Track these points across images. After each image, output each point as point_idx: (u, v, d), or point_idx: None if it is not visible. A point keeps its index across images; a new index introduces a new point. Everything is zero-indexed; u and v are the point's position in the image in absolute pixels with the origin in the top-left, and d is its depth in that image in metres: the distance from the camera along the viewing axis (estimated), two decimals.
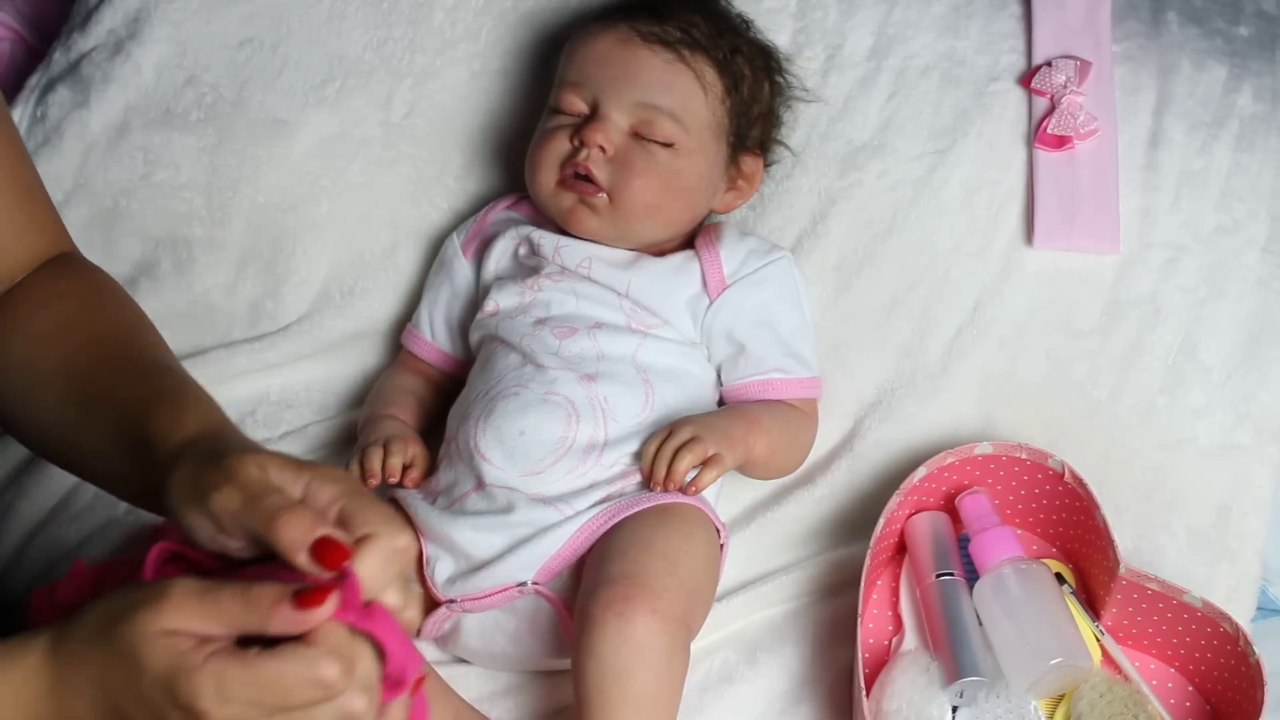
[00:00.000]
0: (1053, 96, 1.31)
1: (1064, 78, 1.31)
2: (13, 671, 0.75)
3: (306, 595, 0.71)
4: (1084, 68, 1.32)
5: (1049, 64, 1.32)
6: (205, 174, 1.37)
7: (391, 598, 0.76)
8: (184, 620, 0.72)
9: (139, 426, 0.87)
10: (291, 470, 0.78)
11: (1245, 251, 1.28)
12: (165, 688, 0.71)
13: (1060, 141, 1.30)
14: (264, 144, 1.37)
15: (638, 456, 1.16)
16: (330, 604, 0.71)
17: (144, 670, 0.72)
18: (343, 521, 0.76)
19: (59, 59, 1.42)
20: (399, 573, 0.77)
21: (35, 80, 1.42)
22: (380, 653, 0.74)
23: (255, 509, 0.75)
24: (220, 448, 0.81)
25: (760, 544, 1.26)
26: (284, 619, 0.71)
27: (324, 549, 0.73)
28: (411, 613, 0.76)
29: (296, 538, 0.73)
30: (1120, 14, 1.37)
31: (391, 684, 0.75)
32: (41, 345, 0.97)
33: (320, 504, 0.77)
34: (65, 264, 1.04)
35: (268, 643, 0.72)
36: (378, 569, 0.75)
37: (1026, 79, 1.33)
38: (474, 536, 1.13)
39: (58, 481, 1.30)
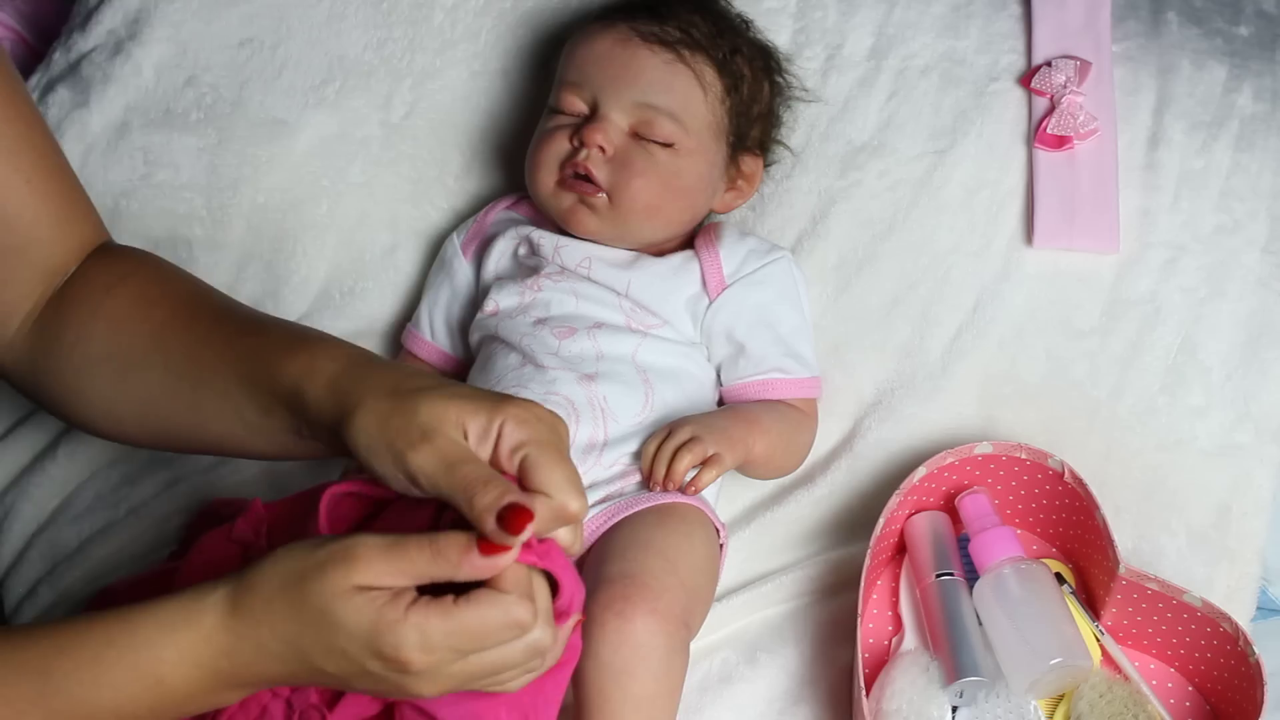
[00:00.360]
0: (1053, 96, 1.31)
1: (1064, 78, 1.31)
2: (193, 632, 0.78)
3: (491, 544, 0.76)
4: (1084, 68, 1.32)
5: (1049, 64, 1.32)
6: (205, 174, 1.37)
7: (564, 537, 0.82)
8: (375, 576, 0.76)
9: (271, 374, 0.89)
10: (485, 415, 0.82)
11: (1245, 251, 1.28)
12: (367, 642, 0.75)
13: (1060, 141, 1.30)
14: (264, 144, 1.37)
15: (637, 456, 1.16)
16: (515, 551, 0.77)
17: (341, 627, 0.75)
18: (524, 471, 0.81)
19: (59, 59, 1.42)
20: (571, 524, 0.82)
21: (35, 80, 1.42)
22: (553, 585, 0.81)
23: (452, 477, 0.79)
24: (400, 384, 0.83)
25: (760, 544, 1.26)
26: (472, 567, 0.76)
27: (510, 515, 0.76)
28: (579, 547, 0.84)
29: (488, 504, 0.77)
30: (1120, 14, 1.37)
31: (561, 614, 0.81)
32: (124, 329, 0.98)
33: (506, 448, 0.81)
34: (113, 250, 1.05)
35: (454, 589, 0.77)
36: (546, 525, 0.80)
37: (1026, 79, 1.33)
38: None
39: (60, 483, 1.30)
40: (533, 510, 0.77)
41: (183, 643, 0.78)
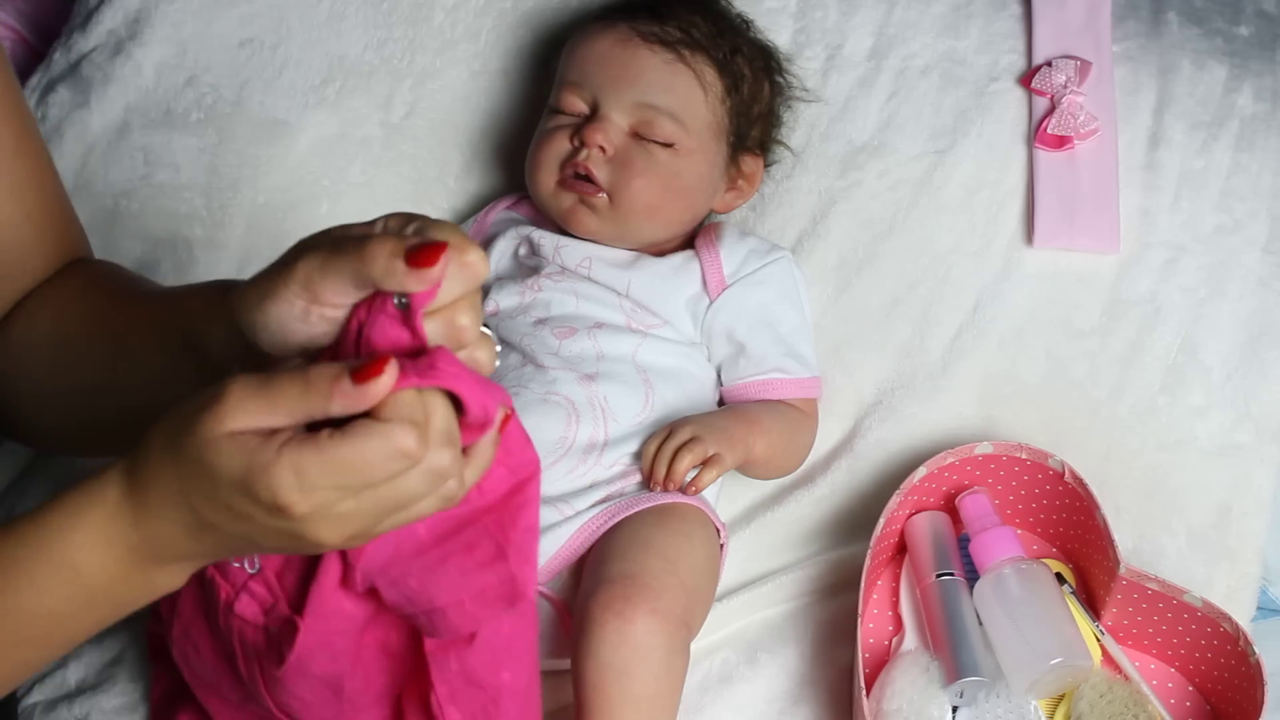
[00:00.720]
0: (1053, 96, 1.31)
1: (1064, 78, 1.31)
2: (97, 509, 0.74)
3: (363, 369, 0.69)
4: (1084, 68, 1.32)
5: (1049, 64, 1.32)
6: (205, 174, 1.37)
7: (463, 318, 0.74)
8: (246, 418, 0.70)
9: (176, 324, 0.87)
10: (359, 226, 0.77)
11: (1245, 251, 1.28)
12: (244, 489, 0.70)
13: (1060, 141, 1.30)
14: (264, 144, 1.37)
15: (637, 456, 1.16)
16: (390, 373, 0.69)
17: (219, 476, 0.71)
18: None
19: (59, 59, 1.42)
20: (473, 288, 0.74)
21: (35, 80, 1.42)
22: (456, 401, 0.71)
23: (340, 253, 0.73)
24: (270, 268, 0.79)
25: (760, 544, 1.26)
26: (346, 397, 0.69)
27: (420, 252, 0.70)
28: (483, 354, 0.76)
29: (389, 251, 0.71)
30: (1120, 14, 1.37)
31: (475, 427, 0.72)
32: (65, 310, 0.98)
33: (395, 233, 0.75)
34: (79, 267, 1.04)
35: (340, 424, 0.70)
36: (452, 280, 0.72)
37: (1026, 79, 1.33)
38: None
39: (58, 484, 1.30)
40: (442, 243, 0.70)
41: (90, 523, 0.74)
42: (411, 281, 0.70)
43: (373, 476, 0.70)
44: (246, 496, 0.70)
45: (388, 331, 0.73)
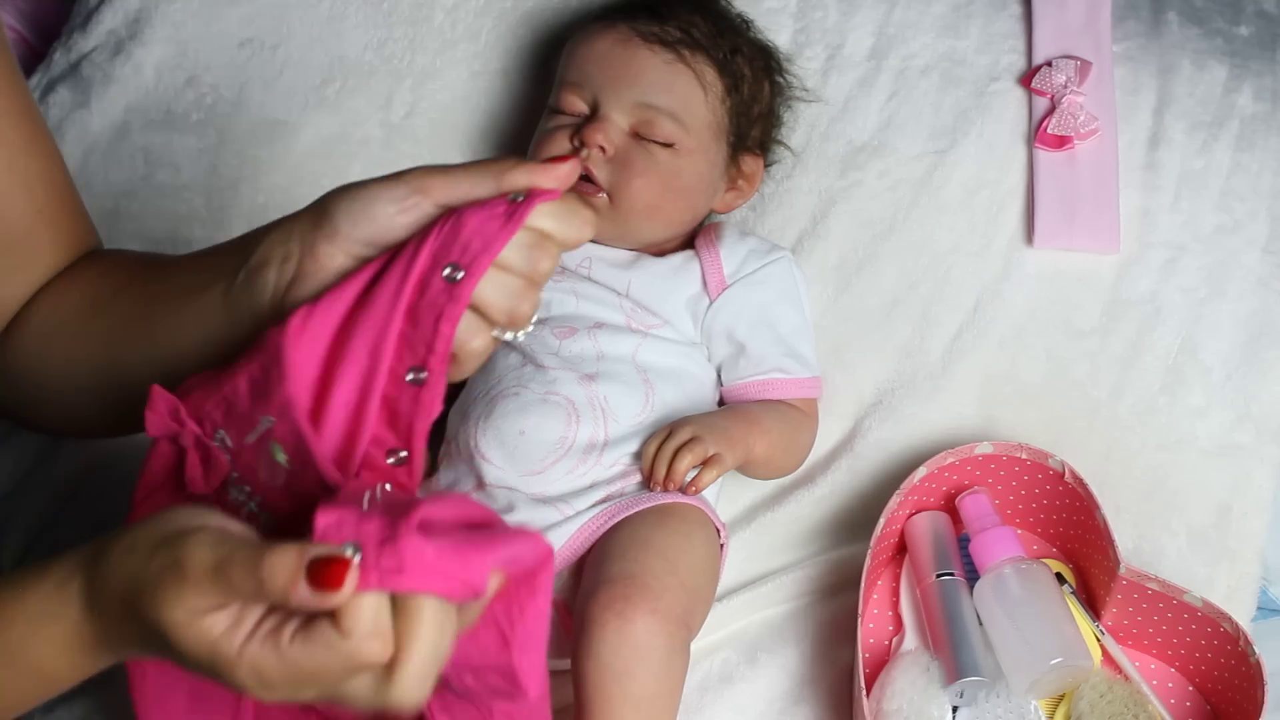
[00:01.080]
0: (1053, 96, 1.31)
1: (1064, 78, 1.31)
2: (59, 624, 0.75)
3: (321, 572, 0.65)
4: (1084, 68, 1.32)
5: (1049, 64, 1.33)
6: (205, 174, 1.37)
7: (545, 262, 0.78)
8: (206, 603, 0.70)
9: (213, 281, 0.88)
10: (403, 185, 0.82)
11: (1245, 251, 1.28)
12: (210, 668, 0.71)
13: (1060, 141, 1.30)
14: (264, 144, 1.37)
15: (638, 456, 1.16)
16: (349, 584, 0.65)
17: (184, 652, 0.71)
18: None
19: (59, 59, 1.42)
20: (571, 236, 0.79)
21: (36, 80, 1.42)
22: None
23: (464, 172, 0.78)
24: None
25: (760, 544, 1.26)
26: (303, 600, 0.66)
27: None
28: (480, 342, 0.77)
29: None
30: (1120, 14, 1.37)
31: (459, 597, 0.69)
32: (91, 288, 0.99)
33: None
34: (94, 256, 1.06)
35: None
36: (557, 221, 0.79)
37: (1027, 79, 1.33)
38: None
39: (60, 485, 1.30)
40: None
41: (54, 637, 0.75)
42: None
43: (332, 680, 0.69)
44: (212, 671, 0.71)
45: (485, 227, 0.74)
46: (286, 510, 0.79)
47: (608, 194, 1.22)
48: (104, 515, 1.29)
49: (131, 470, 1.30)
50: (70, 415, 1.01)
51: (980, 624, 1.15)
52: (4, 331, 1.01)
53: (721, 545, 1.17)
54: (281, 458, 0.77)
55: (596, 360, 1.20)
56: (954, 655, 1.12)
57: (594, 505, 1.14)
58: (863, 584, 1.14)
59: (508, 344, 1.22)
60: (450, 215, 0.78)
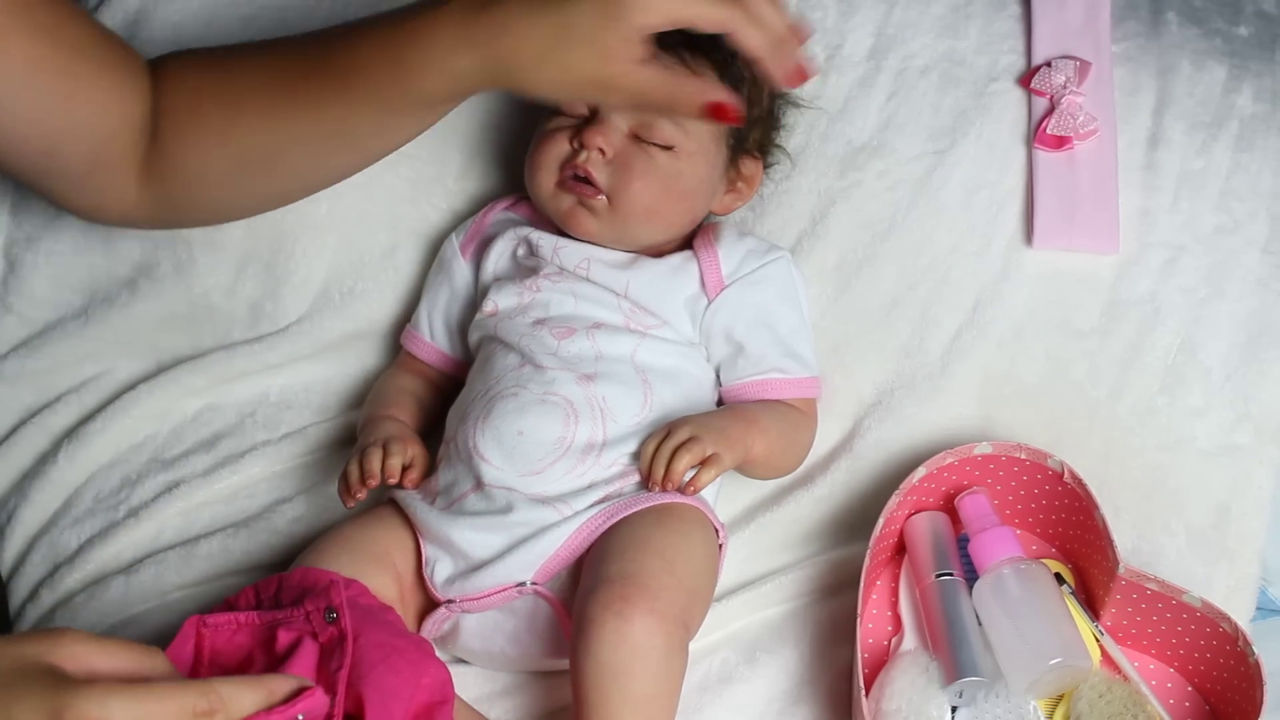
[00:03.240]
0: (1052, 97, 1.31)
1: (1063, 78, 1.31)
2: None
3: None
4: (1083, 68, 1.32)
5: (1048, 64, 1.32)
6: None
7: None
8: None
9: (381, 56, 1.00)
10: None
11: (1245, 252, 1.28)
12: None
13: (1060, 142, 1.30)
14: None
15: (636, 456, 1.16)
16: None
17: None
18: None
19: None
20: None
21: None
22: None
23: None
24: None
25: (759, 544, 1.26)
26: None
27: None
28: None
29: None
30: (1120, 14, 1.37)
31: None
32: (212, 120, 1.09)
33: None
34: (161, 73, 1.13)
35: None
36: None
37: (1026, 79, 1.33)
38: (473, 537, 1.13)
39: (60, 486, 1.31)
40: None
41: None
42: None
43: None
44: None
45: None
46: None
47: (607, 196, 1.22)
48: (100, 519, 1.29)
49: (127, 474, 1.31)
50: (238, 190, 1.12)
51: (979, 624, 1.15)
52: (155, 184, 1.12)
53: (720, 545, 1.17)
54: None
55: (595, 360, 1.20)
56: (953, 655, 1.12)
57: (592, 505, 1.14)
58: (862, 584, 1.14)
59: (507, 344, 1.22)
60: None
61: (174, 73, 1.13)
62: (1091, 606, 1.19)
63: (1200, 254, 1.28)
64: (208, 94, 1.10)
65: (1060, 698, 1.15)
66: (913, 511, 1.23)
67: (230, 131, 1.10)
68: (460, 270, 1.31)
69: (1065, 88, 1.31)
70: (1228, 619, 1.11)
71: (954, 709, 1.12)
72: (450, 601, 1.13)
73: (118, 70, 1.10)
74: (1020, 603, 1.14)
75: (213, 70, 1.11)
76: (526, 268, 1.26)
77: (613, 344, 1.21)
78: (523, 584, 1.12)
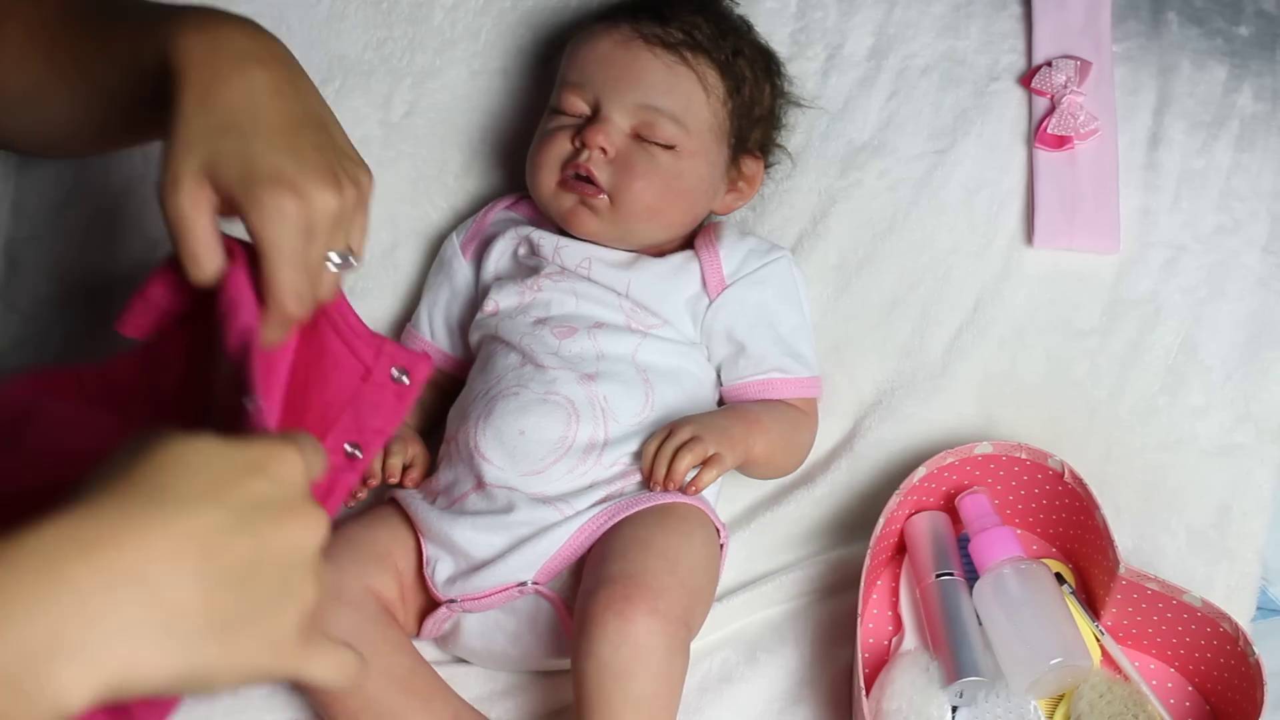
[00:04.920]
0: (1053, 96, 1.31)
1: (1064, 78, 1.31)
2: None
3: None
4: (1084, 68, 1.32)
5: (1049, 64, 1.32)
6: None
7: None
8: None
9: (136, 56, 0.89)
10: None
11: (1245, 251, 1.28)
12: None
13: (1060, 141, 1.30)
14: None
15: (637, 456, 1.16)
16: None
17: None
18: None
19: None
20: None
21: None
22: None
23: None
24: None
25: (760, 544, 1.26)
26: None
27: None
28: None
29: None
30: (1120, 14, 1.37)
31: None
32: (21, 62, 0.98)
33: None
34: None
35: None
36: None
37: (1027, 79, 1.33)
38: (474, 536, 1.13)
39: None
40: None
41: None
42: None
43: None
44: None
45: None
46: None
47: (608, 196, 1.22)
48: None
49: None
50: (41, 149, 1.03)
51: (980, 624, 1.15)
52: None
53: (721, 545, 1.17)
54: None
55: (596, 360, 1.20)
56: (953, 655, 1.12)
57: (594, 505, 1.14)
58: (862, 584, 1.14)
59: (508, 343, 1.22)
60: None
61: None
62: (1092, 606, 1.19)
63: (1201, 253, 1.28)
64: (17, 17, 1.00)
65: (1061, 698, 1.15)
66: (913, 511, 1.23)
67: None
68: (461, 269, 1.31)
69: (1066, 87, 1.31)
70: (1228, 619, 1.11)
71: (954, 709, 1.12)
72: (451, 601, 1.13)
73: None
74: (1021, 603, 1.14)
75: (46, 27, 1.00)
76: (528, 267, 1.26)
77: (614, 343, 1.20)
78: (524, 583, 1.12)
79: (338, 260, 0.85)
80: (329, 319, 0.89)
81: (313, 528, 0.67)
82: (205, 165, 0.82)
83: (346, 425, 0.87)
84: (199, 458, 0.65)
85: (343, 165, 0.85)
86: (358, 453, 0.86)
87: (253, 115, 0.84)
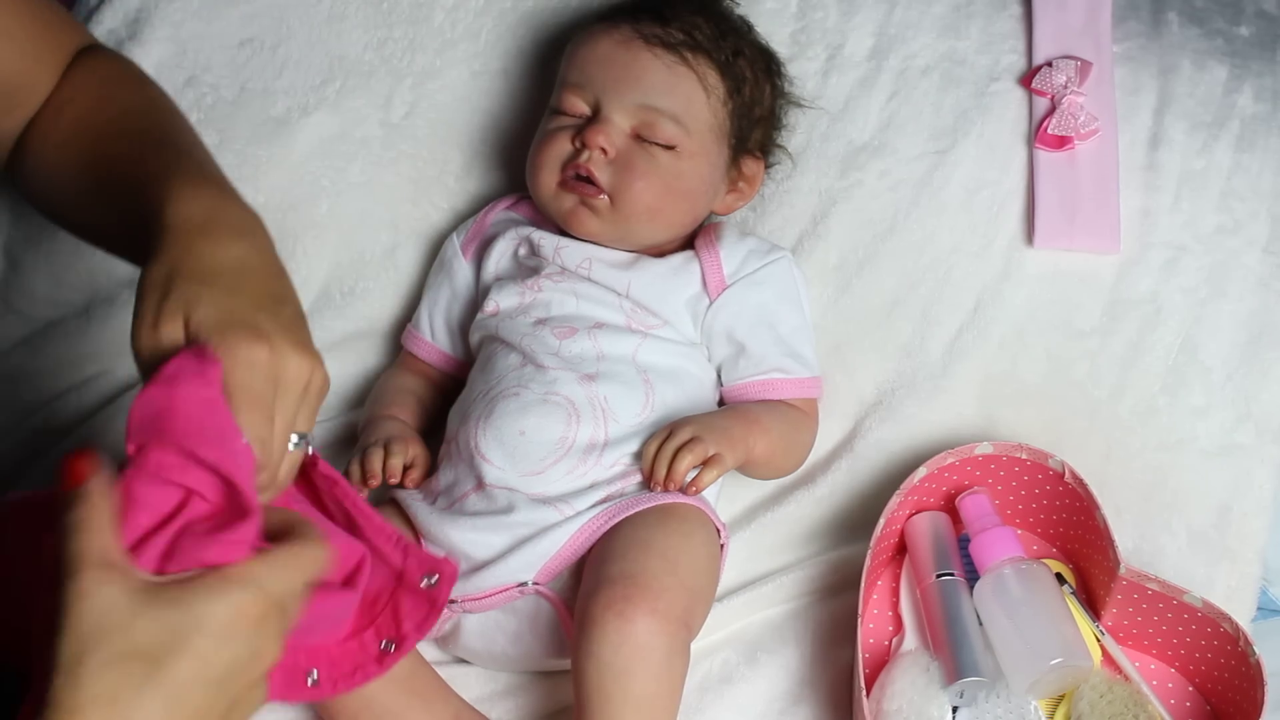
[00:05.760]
0: (1053, 97, 1.31)
1: (1064, 78, 1.31)
2: None
3: None
4: (1084, 68, 1.32)
5: (1049, 64, 1.32)
6: None
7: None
8: None
9: (139, 197, 0.89)
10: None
11: (1246, 252, 1.28)
12: None
13: (1061, 142, 1.30)
14: (264, 144, 1.37)
15: (638, 456, 1.16)
16: None
17: None
18: None
19: None
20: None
21: None
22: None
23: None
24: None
25: (760, 544, 1.26)
26: None
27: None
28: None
29: None
30: (1121, 14, 1.37)
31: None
32: (63, 150, 1.01)
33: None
34: (80, 63, 1.07)
35: None
36: None
37: (1027, 79, 1.33)
38: (474, 537, 1.13)
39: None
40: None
41: None
42: None
43: None
44: None
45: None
46: None
47: (609, 196, 1.22)
48: None
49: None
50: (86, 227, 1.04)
51: (980, 624, 1.15)
52: (19, 149, 1.05)
53: (722, 545, 1.17)
54: None
55: (596, 360, 1.20)
56: (954, 655, 1.12)
57: (594, 505, 1.14)
58: (862, 584, 1.14)
59: (508, 344, 1.22)
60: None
61: (83, 81, 1.07)
62: (1092, 606, 1.19)
63: (1201, 254, 1.28)
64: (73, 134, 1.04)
65: (1061, 698, 1.15)
66: (914, 511, 1.23)
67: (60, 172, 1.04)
68: (461, 270, 1.31)
69: (1066, 87, 1.31)
70: (1229, 619, 1.11)
71: (955, 709, 1.12)
72: (452, 601, 1.13)
73: (40, 31, 1.05)
74: (1021, 603, 1.14)
75: (91, 129, 1.03)
76: (528, 267, 1.26)
77: (614, 344, 1.20)
78: (524, 584, 1.12)
79: (296, 439, 0.82)
80: (361, 513, 0.89)
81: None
82: (184, 306, 0.81)
83: (385, 622, 0.88)
84: None
85: (313, 350, 0.84)
86: (391, 648, 0.87)
87: (239, 277, 0.84)
